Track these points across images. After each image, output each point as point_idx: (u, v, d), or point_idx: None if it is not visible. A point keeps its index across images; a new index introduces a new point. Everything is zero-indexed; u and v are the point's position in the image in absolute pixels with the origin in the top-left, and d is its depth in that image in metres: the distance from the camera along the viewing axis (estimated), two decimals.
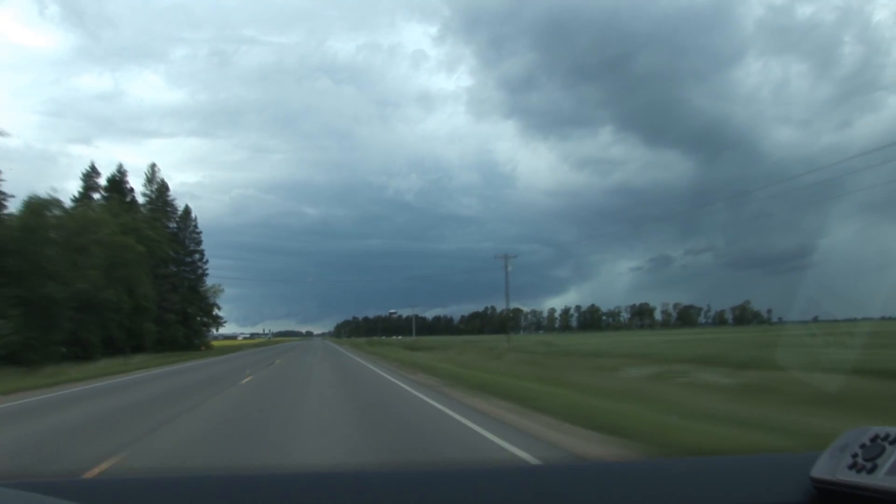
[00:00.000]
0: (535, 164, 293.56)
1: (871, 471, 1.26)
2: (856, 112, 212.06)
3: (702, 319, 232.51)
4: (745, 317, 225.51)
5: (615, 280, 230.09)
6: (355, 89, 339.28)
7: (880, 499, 1.22)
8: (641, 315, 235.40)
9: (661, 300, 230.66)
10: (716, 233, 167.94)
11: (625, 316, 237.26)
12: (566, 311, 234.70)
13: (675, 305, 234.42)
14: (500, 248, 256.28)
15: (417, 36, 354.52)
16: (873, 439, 1.32)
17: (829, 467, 1.34)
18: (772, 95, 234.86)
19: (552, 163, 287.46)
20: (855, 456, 1.32)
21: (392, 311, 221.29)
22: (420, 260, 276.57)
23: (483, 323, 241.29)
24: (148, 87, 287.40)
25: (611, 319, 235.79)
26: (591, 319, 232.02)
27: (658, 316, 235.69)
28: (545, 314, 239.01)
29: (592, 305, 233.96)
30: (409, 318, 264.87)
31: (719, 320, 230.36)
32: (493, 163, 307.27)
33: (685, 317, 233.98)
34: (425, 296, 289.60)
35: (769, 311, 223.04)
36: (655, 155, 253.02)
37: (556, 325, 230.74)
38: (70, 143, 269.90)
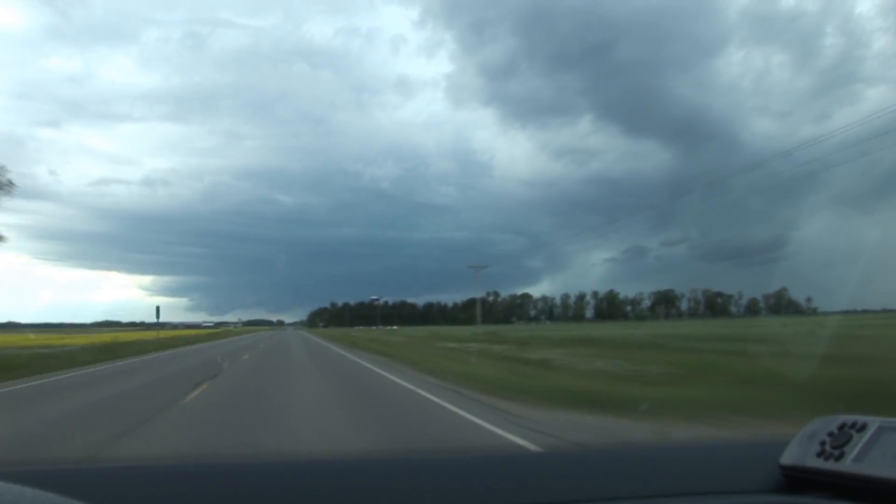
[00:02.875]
0: (513, 152, 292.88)
1: (839, 458, 1.30)
2: (835, 104, 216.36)
3: (732, 308, 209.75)
4: (780, 306, 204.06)
5: (589, 271, 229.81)
6: (332, 74, 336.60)
7: (847, 485, 1.26)
8: (667, 303, 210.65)
9: (634, 291, 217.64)
10: (691, 224, 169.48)
11: (646, 304, 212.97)
12: (581, 298, 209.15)
13: (705, 292, 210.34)
14: (474, 238, 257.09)
15: (397, 19, 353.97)
16: (841, 427, 1.37)
17: (798, 455, 1.38)
18: (752, 86, 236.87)
19: (529, 152, 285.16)
20: (823, 444, 1.36)
21: (374, 296, 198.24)
22: (393, 249, 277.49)
23: (483, 310, 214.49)
24: (119, 69, 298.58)
25: (629, 308, 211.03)
26: (610, 307, 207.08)
27: (684, 304, 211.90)
28: (557, 300, 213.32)
29: (611, 291, 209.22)
30: (395, 305, 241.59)
31: (753, 310, 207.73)
32: (470, 151, 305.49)
33: (714, 305, 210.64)
34: (398, 283, 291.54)
35: (808, 300, 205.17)
36: (634, 145, 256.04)
37: (571, 314, 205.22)
38: (38, 127, 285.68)
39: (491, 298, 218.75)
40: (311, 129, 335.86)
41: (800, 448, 1.39)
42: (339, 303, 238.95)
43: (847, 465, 1.27)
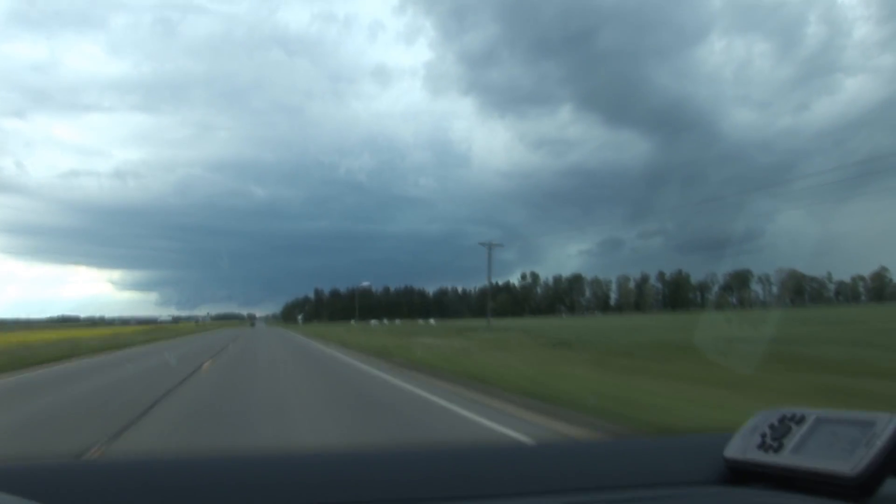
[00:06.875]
0: (491, 143, 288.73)
1: (778, 450, 1.36)
2: (813, 94, 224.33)
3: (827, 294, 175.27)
4: (881, 289, 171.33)
5: (564, 263, 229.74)
6: (308, 62, 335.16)
7: (786, 476, 1.33)
8: (741, 287, 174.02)
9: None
10: (667, 215, 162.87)
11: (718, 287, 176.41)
12: (644, 281, 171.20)
13: (791, 274, 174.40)
14: (449, 230, 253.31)
15: (376, 5, 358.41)
16: (781, 420, 1.43)
17: (741, 447, 1.44)
18: (733, 75, 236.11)
19: (507, 142, 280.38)
20: (764, 436, 1.42)
21: (365, 282, 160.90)
22: (368, 242, 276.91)
23: (517, 298, 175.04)
24: (87, 57, 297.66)
25: (698, 293, 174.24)
26: (675, 293, 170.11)
27: (756, 287, 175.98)
28: (613, 284, 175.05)
29: (679, 272, 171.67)
30: (398, 293, 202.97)
31: (852, 295, 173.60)
32: (447, 142, 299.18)
33: (799, 289, 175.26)
34: (374, 276, 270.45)
35: None
36: (613, 135, 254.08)
37: (632, 301, 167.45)
38: (2, 117, 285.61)
39: (526, 283, 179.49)
40: (287, 120, 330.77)
41: (742, 441, 1.45)
42: (325, 290, 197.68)
43: (785, 456, 1.33)
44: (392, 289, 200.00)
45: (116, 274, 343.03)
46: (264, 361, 21.33)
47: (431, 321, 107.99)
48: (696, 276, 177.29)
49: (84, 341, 38.81)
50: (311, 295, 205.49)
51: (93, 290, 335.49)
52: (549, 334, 36.31)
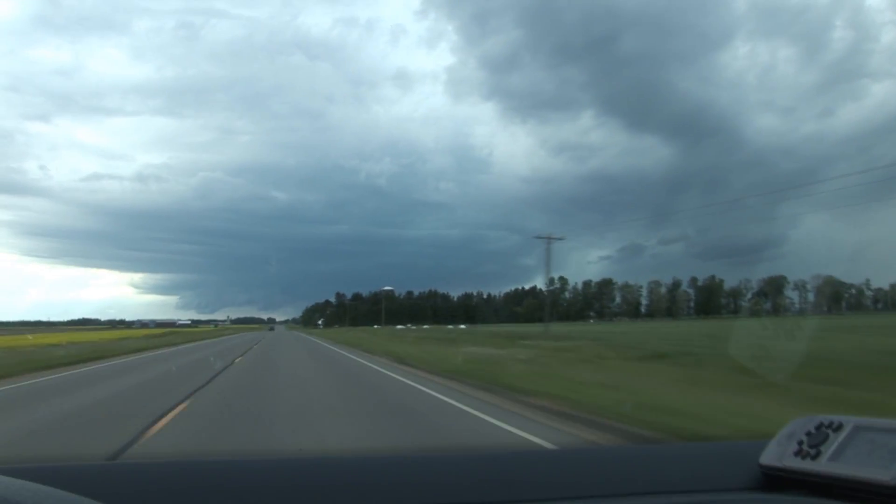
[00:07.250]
0: (512, 148, 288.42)
1: (815, 457, 1.38)
2: (839, 100, 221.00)
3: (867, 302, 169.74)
4: None
5: (584, 269, 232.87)
6: (329, 67, 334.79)
7: (823, 483, 1.34)
8: (775, 293, 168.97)
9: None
10: (689, 221, 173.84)
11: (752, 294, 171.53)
12: (676, 286, 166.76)
13: (827, 280, 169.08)
14: (469, 235, 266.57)
15: (398, 9, 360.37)
16: (818, 427, 1.44)
17: (777, 454, 1.46)
18: (757, 81, 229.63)
19: (529, 147, 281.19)
20: (801, 443, 1.43)
21: (387, 287, 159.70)
22: (388, 246, 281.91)
23: (539, 306, 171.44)
24: (110, 61, 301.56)
25: (731, 300, 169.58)
26: (708, 299, 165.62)
27: (791, 293, 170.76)
28: (644, 290, 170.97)
29: (712, 278, 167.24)
30: (420, 297, 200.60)
31: (892, 303, 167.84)
32: (468, 147, 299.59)
33: (836, 297, 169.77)
34: (393, 281, 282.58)
35: None
36: (635, 141, 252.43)
37: (664, 308, 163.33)
38: (27, 120, 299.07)
39: (554, 287, 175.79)
40: (307, 124, 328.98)
41: (779, 448, 1.46)
42: (346, 294, 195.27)
43: (823, 464, 1.34)
44: (415, 293, 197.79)
45: (138, 277, 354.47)
46: (288, 396, 13.18)
47: (462, 326, 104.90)
48: (725, 283, 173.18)
49: (60, 349, 32.47)
50: (332, 299, 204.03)
51: (114, 293, 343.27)
52: (623, 343, 32.87)
